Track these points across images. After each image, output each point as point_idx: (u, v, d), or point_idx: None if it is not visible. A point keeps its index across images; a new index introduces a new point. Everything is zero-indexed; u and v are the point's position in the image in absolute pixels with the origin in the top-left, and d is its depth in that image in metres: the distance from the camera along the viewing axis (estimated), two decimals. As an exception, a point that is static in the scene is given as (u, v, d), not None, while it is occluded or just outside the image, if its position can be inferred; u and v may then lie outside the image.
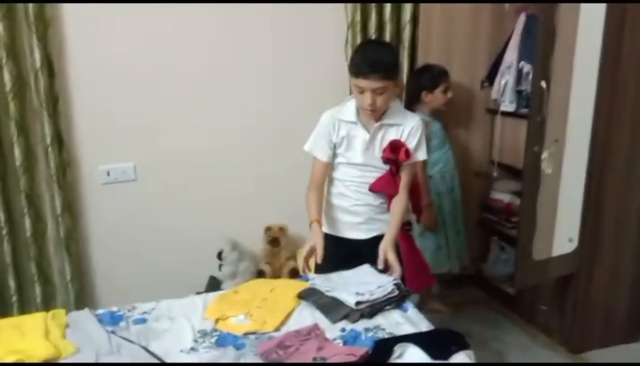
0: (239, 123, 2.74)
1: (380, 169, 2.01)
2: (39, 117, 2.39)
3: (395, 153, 1.95)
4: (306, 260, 1.91)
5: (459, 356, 1.46)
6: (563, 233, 2.44)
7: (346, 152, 2.00)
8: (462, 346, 1.50)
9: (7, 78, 2.29)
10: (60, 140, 2.45)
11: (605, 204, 2.44)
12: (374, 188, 2.03)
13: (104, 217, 2.66)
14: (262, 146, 2.79)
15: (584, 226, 2.43)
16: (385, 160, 1.97)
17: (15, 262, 2.47)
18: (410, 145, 1.97)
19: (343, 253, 1.99)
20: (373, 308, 1.69)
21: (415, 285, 2.08)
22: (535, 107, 2.17)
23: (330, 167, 2.05)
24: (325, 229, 2.07)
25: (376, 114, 1.92)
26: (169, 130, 2.67)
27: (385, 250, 1.88)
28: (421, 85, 2.66)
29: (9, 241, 2.43)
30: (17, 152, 2.37)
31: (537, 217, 2.32)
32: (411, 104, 2.67)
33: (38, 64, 2.32)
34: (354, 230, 2.07)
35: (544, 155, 2.22)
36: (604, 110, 2.32)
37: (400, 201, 2.00)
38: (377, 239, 2.01)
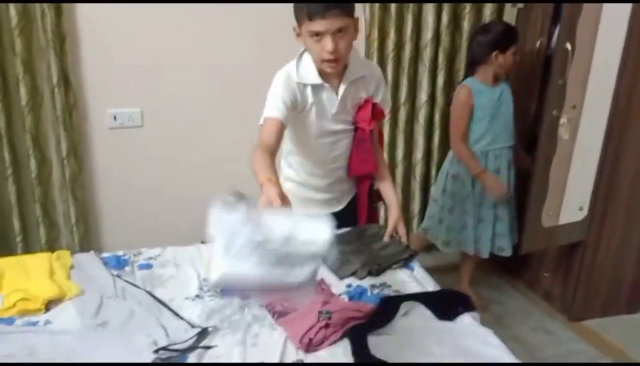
0: (248, 73, 2.67)
1: (349, 132, 1.83)
2: (46, 56, 2.32)
3: (373, 117, 1.79)
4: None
5: (465, 318, 1.46)
6: (573, 201, 2.41)
7: (316, 120, 1.75)
8: (468, 308, 1.50)
9: (12, 13, 2.22)
10: (67, 81, 2.39)
11: (620, 173, 2.39)
12: (354, 174, 1.91)
13: (110, 162, 2.62)
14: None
15: (595, 194, 2.40)
16: (367, 132, 1.80)
17: (20, 203, 2.45)
18: (378, 98, 1.81)
19: None
20: (380, 267, 1.68)
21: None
22: (557, 69, 2.10)
23: (281, 137, 1.67)
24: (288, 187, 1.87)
25: (338, 66, 1.65)
26: (176, 77, 2.60)
27: (396, 225, 1.77)
28: (494, 43, 2.39)
29: (14, 181, 2.41)
30: (22, 91, 2.32)
31: (550, 183, 2.29)
32: (474, 65, 2.47)
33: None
34: (327, 206, 1.92)
35: (563, 120, 2.16)
36: (628, 77, 2.24)
37: (387, 179, 1.90)
38: (349, 205, 1.97)
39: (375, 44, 2.70)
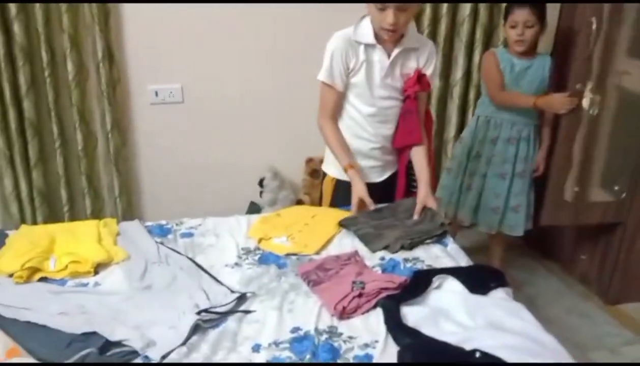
0: (286, 52, 2.70)
1: (397, 101, 1.90)
2: (91, 31, 2.40)
3: (419, 84, 1.86)
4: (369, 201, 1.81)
5: (498, 293, 1.47)
6: (606, 179, 2.38)
7: (365, 80, 1.84)
8: (502, 283, 1.51)
9: (60, -9, 2.30)
10: (111, 57, 2.47)
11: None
12: (398, 146, 1.95)
13: (152, 137, 2.71)
14: (308, 77, 2.74)
15: (637, 175, 2.34)
16: (412, 95, 1.86)
17: (67, 174, 2.57)
18: (428, 71, 1.89)
19: (348, 199, 1.90)
20: (413, 241, 1.70)
21: None
22: (582, 43, 2.08)
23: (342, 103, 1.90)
24: (334, 173, 2.00)
25: (395, 36, 1.77)
26: (218, 55, 2.65)
27: (425, 202, 1.83)
28: (504, 15, 2.41)
29: (62, 154, 2.52)
30: (69, 66, 2.41)
31: (574, 157, 2.31)
32: None
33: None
34: (369, 173, 1.98)
35: (587, 93, 2.14)
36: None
37: (424, 150, 1.93)
38: (390, 179, 2.01)
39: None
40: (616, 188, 2.39)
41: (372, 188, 1.93)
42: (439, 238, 1.76)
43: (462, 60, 2.76)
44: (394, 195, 2.00)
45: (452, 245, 1.74)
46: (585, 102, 2.24)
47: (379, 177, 2.01)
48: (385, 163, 2.01)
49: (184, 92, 2.69)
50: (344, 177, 1.93)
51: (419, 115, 1.93)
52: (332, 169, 2.02)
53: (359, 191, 1.81)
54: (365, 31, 1.80)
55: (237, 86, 2.72)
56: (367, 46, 1.81)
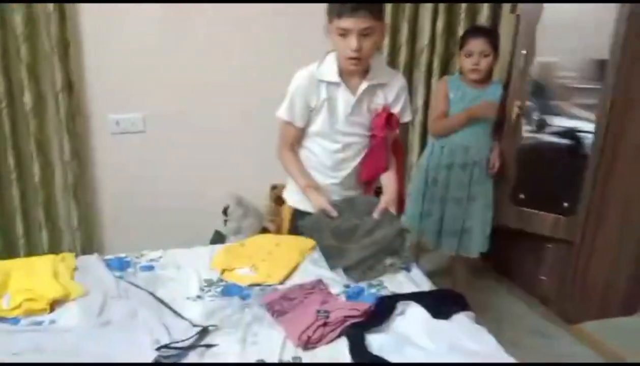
0: (248, 81, 2.72)
1: (362, 137, 1.87)
2: (50, 61, 2.37)
3: (389, 126, 1.83)
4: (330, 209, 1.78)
5: (460, 317, 1.49)
6: (555, 194, 2.55)
7: (327, 119, 1.81)
8: (463, 307, 1.53)
9: (18, 20, 2.27)
10: (70, 87, 2.44)
11: (616, 173, 2.41)
12: (365, 179, 1.94)
13: (112, 166, 2.67)
14: (271, 105, 2.76)
15: (591, 195, 2.43)
16: (380, 138, 1.84)
17: (23, 206, 2.50)
18: (396, 108, 1.86)
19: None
20: (375, 263, 1.70)
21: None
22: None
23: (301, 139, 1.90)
24: (293, 202, 1.98)
25: (360, 65, 1.72)
26: (178, 84, 2.66)
27: (388, 205, 1.80)
28: (459, 43, 2.52)
29: (18, 185, 2.46)
30: (27, 97, 2.37)
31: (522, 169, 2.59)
32: None
33: (50, 7, 2.29)
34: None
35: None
36: (624, 74, 2.29)
37: (391, 172, 1.93)
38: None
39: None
40: (565, 205, 2.50)
41: None
42: (401, 265, 1.78)
43: (421, 88, 2.84)
44: None
45: (415, 270, 1.76)
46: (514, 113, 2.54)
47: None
48: (342, 197, 1.95)
49: (145, 122, 2.67)
50: (303, 206, 1.93)
51: (386, 150, 1.91)
52: (292, 197, 2.01)
53: (320, 203, 1.80)
54: (329, 68, 1.77)
55: (199, 114, 2.72)
56: (330, 84, 1.78)
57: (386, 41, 2.74)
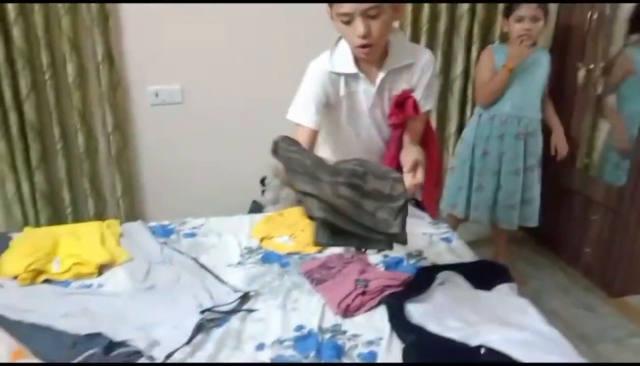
0: (288, 51, 2.69)
1: (386, 131, 1.66)
2: (90, 34, 2.40)
3: (402, 110, 1.58)
4: None
5: (502, 288, 1.47)
6: (611, 160, 2.49)
7: (347, 116, 1.60)
8: (506, 278, 1.51)
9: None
10: (111, 59, 2.47)
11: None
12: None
13: (153, 138, 2.71)
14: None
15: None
16: (393, 125, 1.61)
17: (69, 176, 2.56)
18: (418, 92, 1.60)
19: None
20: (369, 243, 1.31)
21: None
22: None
23: (315, 142, 1.61)
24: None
25: (373, 52, 1.47)
26: (215, 55, 2.64)
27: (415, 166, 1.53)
28: (505, 9, 2.40)
29: (64, 156, 2.52)
30: (70, 69, 2.41)
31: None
32: None
33: (90, -20, 2.31)
34: None
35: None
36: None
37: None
38: None
39: (410, 17, 2.67)
40: (619, 173, 2.44)
41: None
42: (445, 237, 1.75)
43: (461, 56, 2.76)
44: None
45: (456, 241, 1.74)
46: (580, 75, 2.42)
47: None
48: None
49: (183, 93, 2.68)
50: None
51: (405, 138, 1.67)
52: None
53: None
54: (343, 57, 1.53)
55: (237, 85, 2.72)
56: (348, 77, 1.55)
57: (425, 8, 2.66)
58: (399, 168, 1.58)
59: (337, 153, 1.74)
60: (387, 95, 1.60)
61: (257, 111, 2.77)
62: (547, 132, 2.54)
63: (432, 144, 1.80)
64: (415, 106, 1.58)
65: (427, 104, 1.64)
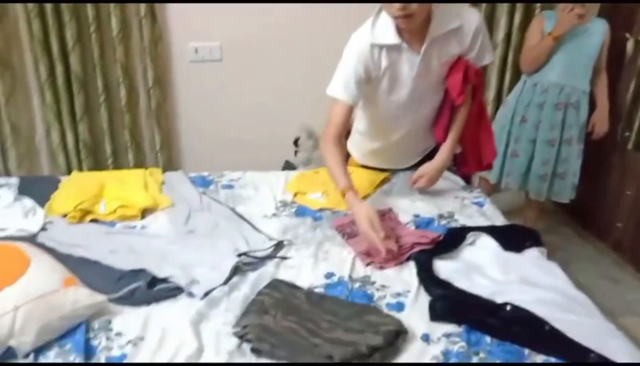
0: (327, 15, 2.68)
1: (435, 96, 1.66)
2: (133, -12, 2.45)
3: (466, 82, 1.58)
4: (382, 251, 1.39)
5: (532, 252, 1.48)
6: None
7: (388, 88, 1.59)
8: (536, 242, 1.52)
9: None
10: (153, 14, 2.52)
11: None
12: (441, 140, 1.74)
13: (191, 94, 2.77)
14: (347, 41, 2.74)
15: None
16: (456, 99, 1.61)
17: (111, 128, 2.66)
18: (472, 53, 1.58)
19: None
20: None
21: (468, 168, 1.88)
22: None
23: (350, 117, 1.65)
24: (353, 152, 1.87)
25: (413, 22, 1.44)
26: (257, 14, 2.65)
27: (423, 176, 1.71)
28: None
29: (106, 108, 2.60)
30: (113, 22, 2.47)
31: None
32: None
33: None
34: (392, 162, 1.88)
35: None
36: None
37: (462, 113, 1.70)
38: (419, 164, 1.81)
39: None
40: None
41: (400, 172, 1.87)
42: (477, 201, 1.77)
43: (503, 21, 2.71)
44: None
45: (487, 205, 1.75)
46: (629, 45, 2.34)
47: (402, 165, 1.91)
48: (411, 153, 1.88)
49: (222, 50, 2.72)
50: (367, 163, 1.89)
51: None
52: (356, 153, 1.94)
53: (367, 213, 1.44)
54: (385, 29, 1.51)
55: (276, 46, 2.74)
56: (391, 48, 1.53)
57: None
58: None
59: (375, 126, 1.79)
60: (436, 63, 1.58)
61: (294, 72, 2.79)
62: (593, 106, 2.47)
63: (482, 107, 1.80)
64: (475, 72, 1.59)
65: (487, 59, 1.65)
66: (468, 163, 1.86)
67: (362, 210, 1.46)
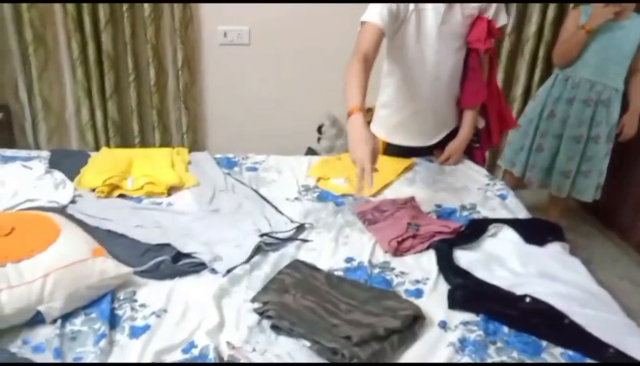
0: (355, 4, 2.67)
1: (458, 52, 1.72)
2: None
3: (490, 34, 1.67)
4: (369, 171, 1.38)
5: (554, 246, 1.48)
6: None
7: (416, 33, 1.64)
8: (559, 237, 1.51)
9: None
10: (184, -5, 2.55)
11: None
12: (466, 105, 1.82)
13: (219, 77, 2.80)
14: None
15: None
16: (481, 50, 1.71)
17: (139, 108, 2.71)
18: (490, 11, 1.68)
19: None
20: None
21: (492, 140, 1.95)
22: None
23: (379, 47, 1.60)
24: (376, 131, 1.86)
25: None
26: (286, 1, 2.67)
27: (451, 154, 1.83)
28: None
29: (135, 88, 2.65)
30: (145, 4, 2.50)
31: None
32: None
33: None
34: (416, 137, 1.89)
35: None
36: None
37: (473, 113, 1.84)
38: (443, 142, 1.88)
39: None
40: None
41: (418, 151, 1.91)
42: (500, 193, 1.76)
43: (536, 16, 2.67)
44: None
45: (511, 198, 1.74)
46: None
47: (433, 138, 1.92)
48: (442, 123, 1.89)
49: (251, 35, 2.74)
50: (391, 140, 1.91)
51: (482, 70, 1.81)
52: (379, 131, 1.93)
53: (368, 138, 1.40)
54: None
55: (302, 32, 2.74)
56: None
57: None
58: (475, 103, 1.82)
59: (400, 93, 1.82)
60: (459, 14, 1.65)
61: (321, 60, 2.80)
62: (626, 105, 2.41)
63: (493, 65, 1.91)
64: (496, 28, 1.69)
65: (502, 19, 1.75)
66: (492, 134, 1.93)
67: (363, 133, 1.37)
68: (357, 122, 1.40)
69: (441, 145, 1.92)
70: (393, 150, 1.91)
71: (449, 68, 1.75)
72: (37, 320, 1.08)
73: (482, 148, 2.00)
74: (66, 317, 1.11)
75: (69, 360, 1.01)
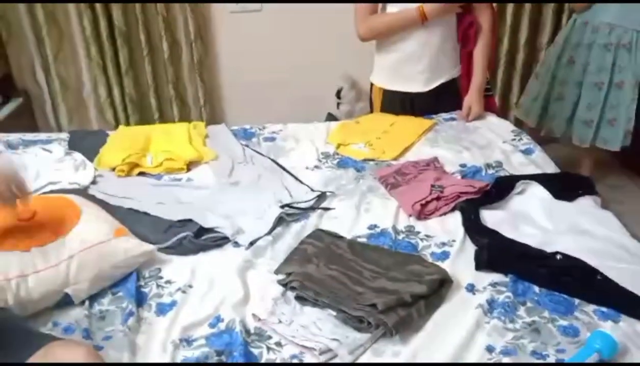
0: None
1: None
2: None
3: None
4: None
5: (585, 200, 1.42)
6: None
7: None
8: (590, 190, 1.46)
9: None
10: (191, -37, 2.49)
11: None
12: (474, 47, 1.87)
13: (232, 46, 2.75)
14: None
15: None
16: None
17: (155, 83, 2.69)
18: None
19: (397, 110, 1.90)
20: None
21: None
22: None
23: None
24: (380, 83, 1.95)
25: None
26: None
27: (471, 105, 1.84)
28: None
29: (150, 62, 2.63)
30: (155, -24, 2.46)
31: None
32: None
33: None
34: (412, 81, 1.89)
35: None
36: None
37: (486, 43, 1.86)
38: (438, 89, 1.89)
39: None
40: None
41: (414, 97, 1.90)
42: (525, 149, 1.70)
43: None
44: (443, 107, 1.94)
45: (538, 152, 1.68)
46: None
47: (424, 86, 1.89)
48: (431, 67, 1.86)
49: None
50: (390, 86, 1.92)
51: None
52: (379, 79, 1.97)
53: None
54: None
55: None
56: None
57: None
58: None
59: (403, 48, 1.83)
60: None
61: (337, 22, 2.71)
62: None
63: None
64: None
65: None
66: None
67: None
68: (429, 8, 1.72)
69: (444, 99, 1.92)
70: (394, 98, 1.92)
71: (446, 22, 1.81)
72: (65, 301, 1.10)
73: (492, 96, 2.02)
74: (94, 297, 1.13)
75: (99, 340, 1.03)
